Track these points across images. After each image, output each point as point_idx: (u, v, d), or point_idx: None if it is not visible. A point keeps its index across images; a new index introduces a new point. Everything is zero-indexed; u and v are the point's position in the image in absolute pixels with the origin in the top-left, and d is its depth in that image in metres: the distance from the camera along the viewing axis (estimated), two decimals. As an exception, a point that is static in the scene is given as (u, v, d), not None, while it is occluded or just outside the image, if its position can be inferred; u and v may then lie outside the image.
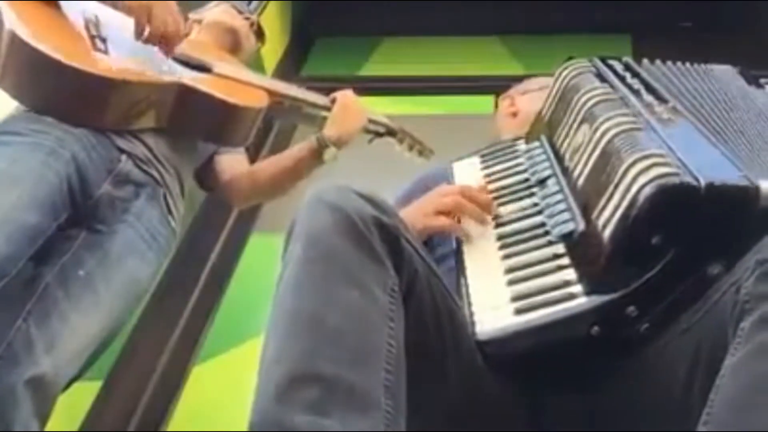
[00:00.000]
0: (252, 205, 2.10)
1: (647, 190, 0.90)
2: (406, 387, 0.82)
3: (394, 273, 0.88)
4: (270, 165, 1.85)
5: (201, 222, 2.55)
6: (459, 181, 1.36)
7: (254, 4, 2.89)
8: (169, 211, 1.61)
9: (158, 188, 1.58)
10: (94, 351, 1.41)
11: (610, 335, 0.93)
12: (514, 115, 1.57)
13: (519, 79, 1.72)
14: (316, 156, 1.76)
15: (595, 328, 0.93)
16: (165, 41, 1.51)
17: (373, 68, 3.58)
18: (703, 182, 0.90)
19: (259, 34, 1.98)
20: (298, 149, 1.82)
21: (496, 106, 1.72)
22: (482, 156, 1.40)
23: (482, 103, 3.10)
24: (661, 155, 0.95)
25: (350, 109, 1.81)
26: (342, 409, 0.74)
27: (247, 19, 1.95)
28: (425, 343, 0.93)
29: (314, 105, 1.85)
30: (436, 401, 0.96)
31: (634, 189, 0.92)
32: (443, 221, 1.19)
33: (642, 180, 0.92)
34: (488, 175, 1.32)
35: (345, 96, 1.83)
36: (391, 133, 1.92)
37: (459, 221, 1.21)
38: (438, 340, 0.96)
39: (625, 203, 0.93)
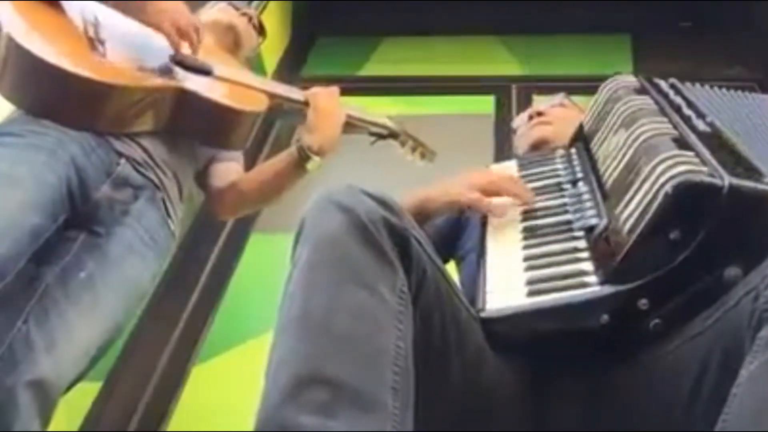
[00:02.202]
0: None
1: (670, 185, 0.91)
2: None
3: (403, 274, 0.88)
4: (254, 177, 1.76)
5: (201, 222, 2.55)
6: None
7: (254, 3, 2.90)
8: (168, 215, 1.61)
9: (157, 192, 1.57)
10: (95, 353, 1.41)
11: (619, 326, 0.93)
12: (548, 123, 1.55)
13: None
14: (299, 167, 1.67)
15: (605, 317, 0.93)
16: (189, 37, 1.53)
17: (373, 68, 3.58)
18: (726, 182, 0.90)
19: (260, 28, 1.96)
20: (279, 161, 1.72)
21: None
22: (519, 160, 1.42)
23: (482, 103, 3.11)
24: (689, 155, 0.96)
25: (326, 111, 1.68)
26: (348, 410, 0.74)
27: (245, 15, 1.93)
28: (430, 343, 0.93)
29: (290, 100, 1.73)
30: (439, 402, 0.96)
31: (657, 184, 0.93)
32: (475, 195, 1.18)
33: (666, 175, 0.92)
34: (524, 176, 1.33)
35: (317, 97, 1.69)
36: (393, 135, 1.87)
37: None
38: (443, 341, 0.95)
39: (647, 198, 0.94)
